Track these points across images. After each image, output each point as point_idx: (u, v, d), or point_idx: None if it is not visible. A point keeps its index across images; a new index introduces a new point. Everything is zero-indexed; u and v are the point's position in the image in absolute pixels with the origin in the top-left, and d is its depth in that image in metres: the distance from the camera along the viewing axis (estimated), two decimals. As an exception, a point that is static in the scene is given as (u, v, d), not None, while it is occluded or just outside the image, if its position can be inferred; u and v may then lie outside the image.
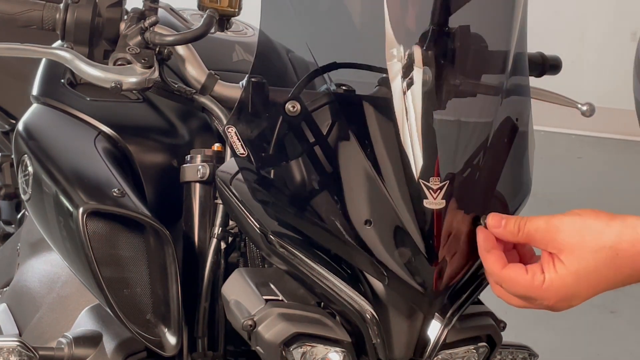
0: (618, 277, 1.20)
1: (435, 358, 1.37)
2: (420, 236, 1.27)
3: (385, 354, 1.32)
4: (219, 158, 1.55)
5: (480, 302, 1.44)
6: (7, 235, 2.37)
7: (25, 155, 1.62)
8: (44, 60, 1.77)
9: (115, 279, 1.47)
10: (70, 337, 1.60)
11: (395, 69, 1.29)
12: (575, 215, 1.22)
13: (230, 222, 1.54)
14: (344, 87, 1.37)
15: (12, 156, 1.73)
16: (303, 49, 1.38)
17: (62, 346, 1.59)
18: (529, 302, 1.25)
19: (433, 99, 1.29)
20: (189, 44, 1.52)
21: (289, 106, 1.32)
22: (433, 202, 1.26)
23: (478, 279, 1.34)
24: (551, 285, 1.22)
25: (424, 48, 1.29)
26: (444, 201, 1.26)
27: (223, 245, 1.54)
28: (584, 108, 1.81)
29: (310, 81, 1.36)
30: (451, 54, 1.31)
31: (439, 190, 1.26)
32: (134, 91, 1.62)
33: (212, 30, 1.50)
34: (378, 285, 1.31)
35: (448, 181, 1.26)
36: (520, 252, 1.29)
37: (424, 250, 1.27)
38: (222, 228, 1.54)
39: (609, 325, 3.69)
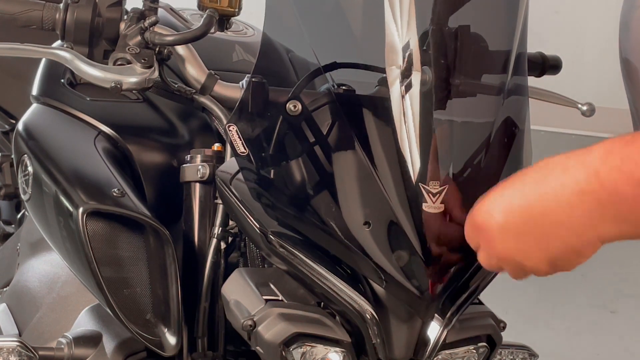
0: (551, 180, 1.09)
1: (435, 358, 1.37)
2: (418, 240, 1.27)
3: (385, 354, 1.32)
4: (219, 158, 1.56)
5: (480, 303, 1.44)
6: (7, 235, 2.37)
7: (25, 155, 1.62)
8: (44, 60, 1.77)
9: (115, 279, 1.47)
10: (70, 337, 1.60)
11: (394, 69, 1.29)
12: None
13: (230, 222, 1.54)
14: (344, 87, 1.37)
15: (12, 156, 1.73)
16: (305, 50, 1.38)
17: (62, 346, 1.59)
18: (474, 232, 1.18)
19: (432, 99, 1.28)
20: (189, 44, 1.52)
21: (290, 106, 1.32)
22: (432, 206, 1.26)
23: (478, 280, 1.34)
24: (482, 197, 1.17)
25: (424, 48, 1.29)
26: (442, 205, 1.26)
27: (223, 245, 1.54)
28: (584, 108, 1.81)
29: (310, 81, 1.36)
30: (451, 54, 1.31)
31: (438, 195, 1.26)
32: (134, 91, 1.62)
33: (212, 30, 1.50)
34: (378, 285, 1.31)
35: (447, 185, 1.26)
36: None
37: (422, 254, 1.27)
38: (222, 228, 1.54)
39: (609, 325, 3.69)
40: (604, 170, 1.04)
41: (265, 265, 1.50)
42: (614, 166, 1.03)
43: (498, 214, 1.13)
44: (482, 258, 1.19)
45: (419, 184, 1.26)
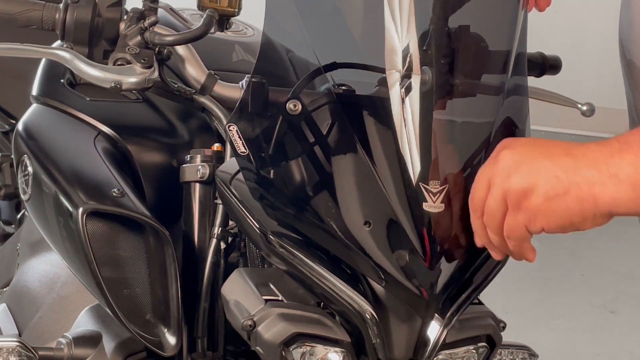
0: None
1: (435, 358, 1.37)
2: (419, 239, 1.27)
3: (385, 354, 1.32)
4: (219, 158, 1.56)
5: (480, 303, 1.44)
6: (7, 235, 2.37)
7: (25, 155, 1.62)
8: (43, 60, 1.77)
9: (115, 279, 1.47)
10: (70, 337, 1.60)
11: (394, 69, 1.29)
12: None
13: (230, 222, 1.54)
14: (344, 87, 1.37)
15: (12, 156, 1.73)
16: (305, 50, 1.38)
17: (62, 346, 1.59)
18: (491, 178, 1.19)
19: (432, 99, 1.28)
20: (189, 44, 1.52)
21: (290, 105, 1.32)
22: (432, 205, 1.26)
23: (478, 280, 1.34)
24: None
25: (424, 48, 1.29)
26: (443, 205, 1.26)
27: (223, 245, 1.54)
28: (584, 108, 1.81)
29: (310, 81, 1.36)
30: (451, 54, 1.31)
31: (438, 194, 1.26)
32: (133, 91, 1.62)
33: (212, 30, 1.50)
34: (378, 285, 1.31)
35: (447, 185, 1.26)
36: None
37: (422, 254, 1.27)
38: (222, 228, 1.54)
39: (609, 325, 3.69)
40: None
41: (265, 265, 1.50)
42: None
43: (541, 187, 1.14)
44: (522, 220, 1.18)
45: (419, 183, 1.26)
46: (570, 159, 1.13)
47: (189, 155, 1.58)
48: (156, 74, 1.48)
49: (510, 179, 1.16)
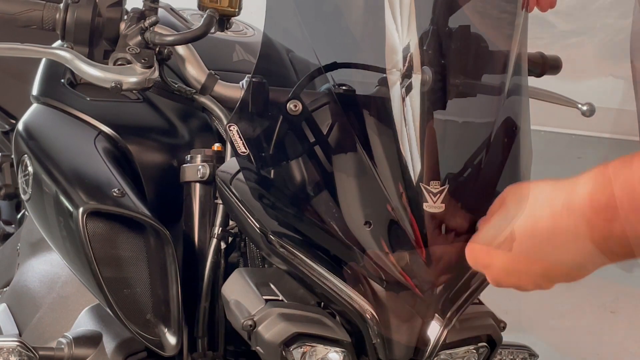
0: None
1: (436, 358, 1.37)
2: (419, 240, 1.26)
3: (385, 354, 1.32)
4: (219, 158, 1.56)
5: (480, 303, 1.44)
6: (7, 235, 2.37)
7: (25, 155, 1.62)
8: (44, 60, 1.77)
9: (115, 279, 1.47)
10: (70, 337, 1.60)
11: (394, 69, 1.29)
12: None
13: (230, 222, 1.54)
14: (344, 87, 1.37)
15: (12, 156, 1.73)
16: (305, 50, 1.38)
17: (62, 346, 1.59)
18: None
19: (432, 99, 1.28)
20: (189, 44, 1.52)
21: (290, 105, 1.32)
22: (432, 205, 1.25)
23: (478, 280, 1.34)
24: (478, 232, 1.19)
25: (424, 48, 1.29)
26: (443, 205, 1.26)
27: (223, 245, 1.54)
28: (584, 108, 1.81)
29: (311, 81, 1.36)
30: (451, 54, 1.31)
31: (438, 194, 1.25)
32: (134, 91, 1.62)
33: (212, 30, 1.50)
34: (378, 285, 1.31)
35: (448, 185, 1.26)
36: None
37: (423, 254, 1.27)
38: (222, 228, 1.54)
39: (609, 325, 3.69)
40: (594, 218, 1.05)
41: (265, 265, 1.50)
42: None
43: (498, 260, 1.15)
44: (489, 279, 1.20)
45: (420, 183, 1.26)
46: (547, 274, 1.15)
47: (189, 155, 1.58)
48: (156, 73, 1.48)
49: (501, 284, 1.18)
